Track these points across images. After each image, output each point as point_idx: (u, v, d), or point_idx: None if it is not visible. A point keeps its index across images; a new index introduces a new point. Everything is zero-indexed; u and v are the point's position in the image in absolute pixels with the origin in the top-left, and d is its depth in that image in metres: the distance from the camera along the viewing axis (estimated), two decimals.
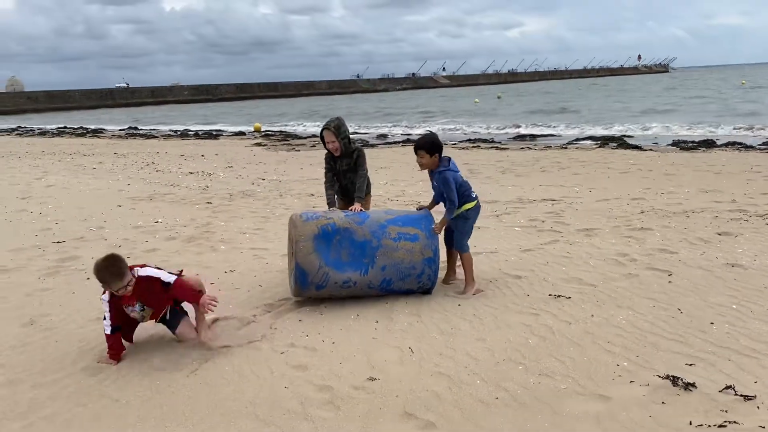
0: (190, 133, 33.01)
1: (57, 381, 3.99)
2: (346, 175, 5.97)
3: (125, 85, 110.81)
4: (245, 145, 23.91)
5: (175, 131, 35.10)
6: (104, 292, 4.28)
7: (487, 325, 4.70)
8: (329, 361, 4.14)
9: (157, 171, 15.19)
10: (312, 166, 15.87)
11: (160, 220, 8.99)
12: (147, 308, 4.42)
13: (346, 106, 59.49)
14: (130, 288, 4.17)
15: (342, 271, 5.09)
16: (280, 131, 32.02)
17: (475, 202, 5.51)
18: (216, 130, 34.18)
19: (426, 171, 5.55)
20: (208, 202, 10.45)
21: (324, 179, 6.03)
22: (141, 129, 37.96)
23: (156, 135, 32.17)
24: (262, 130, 32.60)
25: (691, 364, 3.87)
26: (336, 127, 5.80)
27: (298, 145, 23.75)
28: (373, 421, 3.40)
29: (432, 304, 5.18)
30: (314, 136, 28.99)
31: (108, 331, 4.28)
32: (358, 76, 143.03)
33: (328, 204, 5.92)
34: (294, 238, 5.14)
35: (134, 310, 4.38)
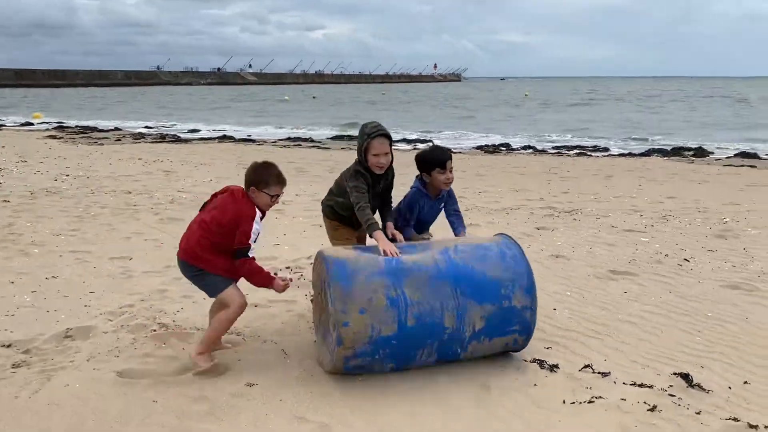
0: None
1: None
2: (377, 199, 4.23)
3: None
4: (37, 137, 21.41)
5: None
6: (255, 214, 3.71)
7: None
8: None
9: None
10: (121, 161, 14.68)
11: None
12: None
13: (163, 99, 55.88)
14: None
15: None
16: (78, 125, 29.14)
17: None
18: None
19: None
20: (5, 200, 9.17)
21: (360, 202, 3.96)
22: None
23: None
24: (52, 120, 29.45)
25: (548, 348, 4.19)
26: (389, 135, 4.12)
27: (100, 138, 21.83)
28: (263, 426, 3.20)
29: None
30: (117, 129, 26.83)
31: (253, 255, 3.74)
32: (158, 68, 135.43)
33: (371, 232, 3.90)
34: None
35: (259, 230, 3.77)
